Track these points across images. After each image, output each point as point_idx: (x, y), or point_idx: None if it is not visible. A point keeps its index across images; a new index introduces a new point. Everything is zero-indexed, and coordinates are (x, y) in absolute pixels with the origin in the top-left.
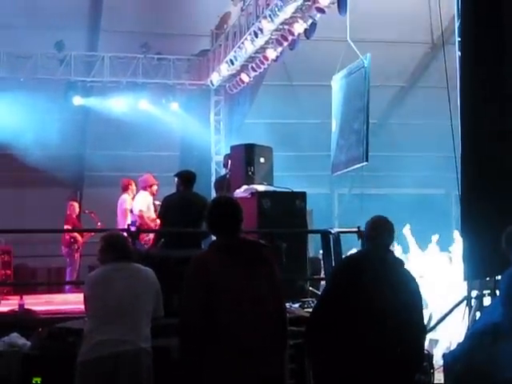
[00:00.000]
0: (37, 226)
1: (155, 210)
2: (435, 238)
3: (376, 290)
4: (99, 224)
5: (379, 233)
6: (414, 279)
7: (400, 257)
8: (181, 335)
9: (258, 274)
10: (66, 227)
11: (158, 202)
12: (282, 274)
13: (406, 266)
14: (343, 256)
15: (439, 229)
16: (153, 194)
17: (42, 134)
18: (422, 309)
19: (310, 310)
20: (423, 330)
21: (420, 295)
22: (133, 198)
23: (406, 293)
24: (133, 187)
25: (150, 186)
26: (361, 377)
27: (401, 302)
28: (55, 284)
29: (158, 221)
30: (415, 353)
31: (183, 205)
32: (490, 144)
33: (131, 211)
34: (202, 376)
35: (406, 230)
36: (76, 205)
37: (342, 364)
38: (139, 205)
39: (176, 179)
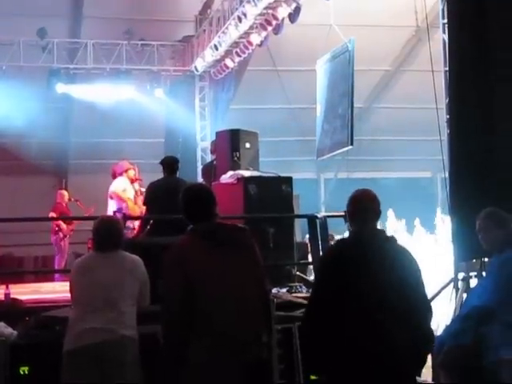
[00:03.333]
0: (22, 215)
1: (138, 196)
2: (417, 221)
3: (373, 276)
4: (92, 210)
5: (367, 212)
6: (411, 255)
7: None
8: (164, 326)
9: (236, 258)
10: (51, 215)
11: (143, 189)
12: (268, 258)
13: (398, 242)
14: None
15: (425, 211)
16: (131, 180)
17: (25, 123)
18: (424, 286)
19: (298, 294)
20: (430, 308)
21: (420, 271)
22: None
23: (406, 272)
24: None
25: (126, 171)
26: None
27: (403, 283)
28: (42, 272)
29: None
30: (426, 333)
31: (168, 191)
32: (478, 125)
33: (111, 197)
34: (185, 365)
35: (390, 213)
36: (65, 193)
37: (349, 365)
38: (114, 188)
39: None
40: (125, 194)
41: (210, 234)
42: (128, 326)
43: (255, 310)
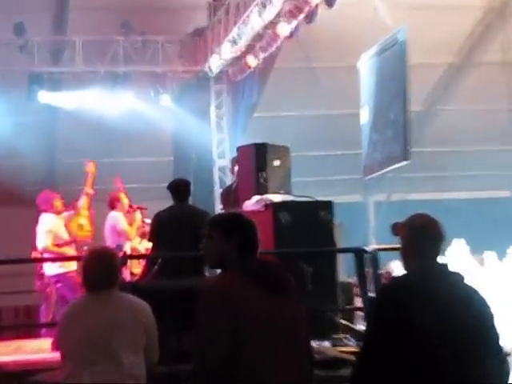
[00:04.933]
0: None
1: (141, 229)
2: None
3: (438, 324)
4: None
5: (431, 244)
6: (480, 295)
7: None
8: (198, 380)
9: (284, 302)
10: (34, 254)
11: (148, 221)
12: (305, 303)
13: (465, 280)
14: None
15: (503, 238)
16: (58, 212)
17: (2, 140)
18: (497, 330)
19: (344, 348)
20: (505, 355)
21: (492, 313)
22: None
23: (476, 317)
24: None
25: (52, 206)
26: None
27: (475, 327)
28: (25, 327)
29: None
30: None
31: (178, 223)
32: None
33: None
34: None
35: (457, 243)
36: None
37: None
38: (42, 238)
39: None
40: (57, 239)
41: (256, 272)
42: (133, 377)
43: (301, 362)
